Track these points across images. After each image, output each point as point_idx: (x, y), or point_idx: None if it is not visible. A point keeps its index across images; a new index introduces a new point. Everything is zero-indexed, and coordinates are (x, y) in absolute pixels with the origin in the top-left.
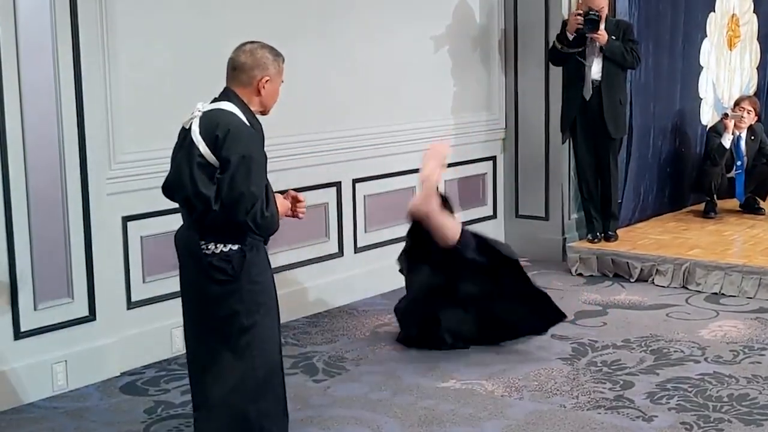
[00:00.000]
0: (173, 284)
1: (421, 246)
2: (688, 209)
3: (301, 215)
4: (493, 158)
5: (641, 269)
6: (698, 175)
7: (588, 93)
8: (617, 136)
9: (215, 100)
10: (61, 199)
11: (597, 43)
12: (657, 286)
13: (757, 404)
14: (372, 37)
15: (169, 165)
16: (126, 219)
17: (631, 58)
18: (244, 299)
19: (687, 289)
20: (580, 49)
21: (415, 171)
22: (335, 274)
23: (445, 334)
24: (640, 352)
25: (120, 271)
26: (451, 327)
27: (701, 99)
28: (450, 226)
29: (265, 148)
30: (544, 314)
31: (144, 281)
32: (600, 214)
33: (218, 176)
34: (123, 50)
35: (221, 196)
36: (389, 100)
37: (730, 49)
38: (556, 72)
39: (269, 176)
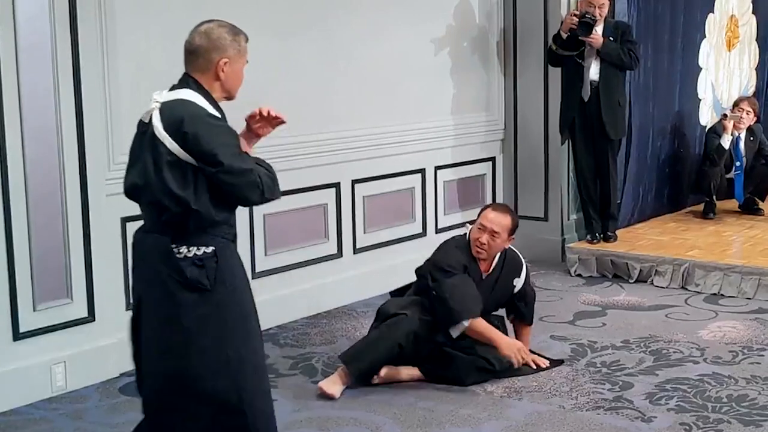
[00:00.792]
0: None
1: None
2: (687, 210)
3: (282, 117)
4: (492, 159)
5: (640, 270)
6: (697, 176)
7: (586, 94)
8: (616, 137)
9: (173, 87)
10: (60, 200)
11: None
12: (656, 286)
13: (757, 405)
14: (371, 37)
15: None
16: (125, 220)
17: (628, 59)
18: (218, 308)
19: (686, 289)
20: (575, 53)
21: (416, 171)
22: (334, 275)
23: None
24: (640, 352)
25: (119, 272)
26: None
27: (700, 100)
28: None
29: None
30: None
31: None
32: (599, 214)
33: (209, 171)
34: (122, 51)
35: (229, 190)
36: (389, 100)
37: (729, 50)
38: (556, 73)
39: None
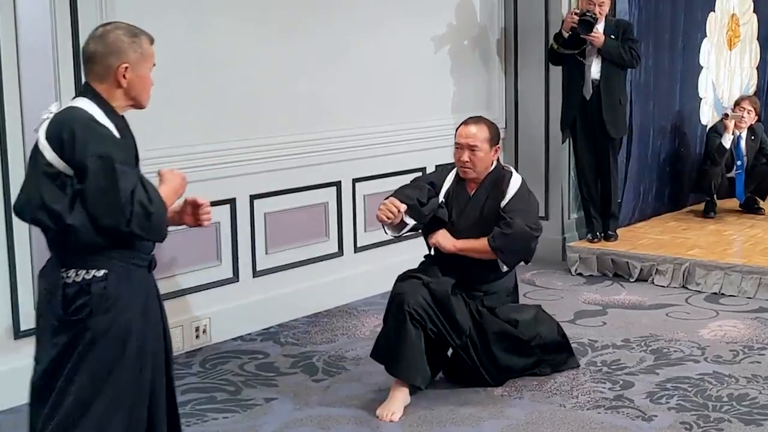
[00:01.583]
0: (172, 284)
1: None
2: (687, 209)
3: (206, 222)
4: None
5: (641, 269)
6: (698, 175)
7: (588, 92)
8: (617, 135)
9: (76, 96)
10: None
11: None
12: (657, 285)
13: (757, 404)
14: (372, 36)
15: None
16: None
17: (629, 57)
18: (95, 351)
19: (687, 288)
20: (576, 51)
21: (416, 171)
22: (335, 274)
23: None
24: (640, 351)
25: None
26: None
27: (701, 99)
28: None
29: (265, 148)
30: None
31: None
32: (600, 213)
33: (77, 187)
34: None
35: (92, 210)
36: (389, 99)
37: (730, 49)
38: (556, 72)
39: (269, 176)
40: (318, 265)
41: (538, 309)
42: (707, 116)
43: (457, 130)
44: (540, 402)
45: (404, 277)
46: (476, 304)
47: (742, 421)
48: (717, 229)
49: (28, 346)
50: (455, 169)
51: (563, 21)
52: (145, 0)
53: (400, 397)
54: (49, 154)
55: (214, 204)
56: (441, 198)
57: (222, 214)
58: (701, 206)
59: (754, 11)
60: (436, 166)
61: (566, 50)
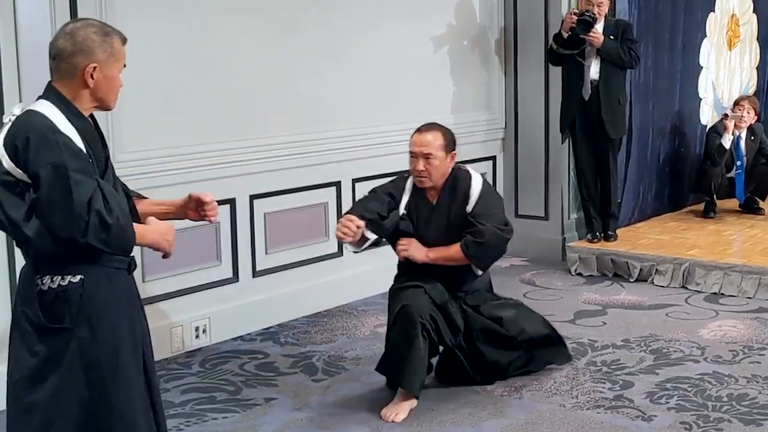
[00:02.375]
0: (172, 284)
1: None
2: (687, 209)
3: (213, 218)
4: (493, 158)
5: (641, 269)
6: (698, 175)
7: (587, 93)
8: (616, 136)
9: (39, 98)
10: None
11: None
12: (656, 285)
13: (757, 404)
14: (371, 36)
15: None
16: None
17: (628, 57)
18: (81, 359)
19: (686, 288)
20: (576, 51)
21: None
22: (335, 274)
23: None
24: (640, 351)
25: None
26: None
27: (701, 99)
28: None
29: (265, 148)
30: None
31: (143, 281)
32: (599, 213)
33: (32, 197)
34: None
35: (46, 221)
36: (389, 99)
37: (730, 49)
38: (556, 72)
39: (269, 176)
40: (318, 265)
41: (519, 305)
42: (707, 116)
43: (411, 137)
44: (540, 402)
45: (402, 288)
46: (459, 304)
47: (742, 421)
48: (717, 229)
49: None
50: (411, 178)
51: (563, 21)
52: (145, 0)
53: (408, 402)
54: (6, 163)
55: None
56: (402, 210)
57: (222, 214)
58: (701, 206)
59: (753, 11)
60: None
61: (565, 50)
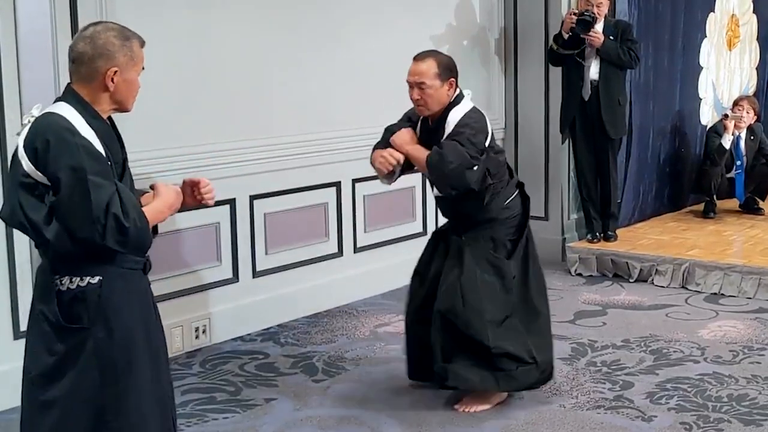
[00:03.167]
0: (172, 285)
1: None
2: (687, 209)
3: (210, 201)
4: None
5: (641, 269)
6: (698, 176)
7: (587, 93)
8: (616, 136)
9: (57, 100)
10: None
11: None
12: (656, 286)
13: (757, 404)
14: (372, 36)
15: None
16: None
17: (628, 58)
18: (97, 359)
19: (686, 289)
20: (576, 51)
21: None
22: (335, 274)
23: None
24: (640, 352)
25: None
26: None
27: (701, 99)
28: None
29: (265, 148)
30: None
31: None
32: (599, 214)
33: (51, 200)
34: None
35: (65, 223)
36: (389, 99)
37: (730, 50)
38: (556, 72)
39: (270, 176)
40: (318, 265)
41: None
42: (707, 116)
43: None
44: (540, 402)
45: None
46: (459, 243)
47: (742, 422)
48: (717, 230)
49: None
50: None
51: (563, 21)
52: (145, 0)
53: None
54: (26, 164)
55: (214, 204)
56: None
57: (222, 214)
58: (701, 206)
59: (753, 12)
60: None
61: (566, 51)
